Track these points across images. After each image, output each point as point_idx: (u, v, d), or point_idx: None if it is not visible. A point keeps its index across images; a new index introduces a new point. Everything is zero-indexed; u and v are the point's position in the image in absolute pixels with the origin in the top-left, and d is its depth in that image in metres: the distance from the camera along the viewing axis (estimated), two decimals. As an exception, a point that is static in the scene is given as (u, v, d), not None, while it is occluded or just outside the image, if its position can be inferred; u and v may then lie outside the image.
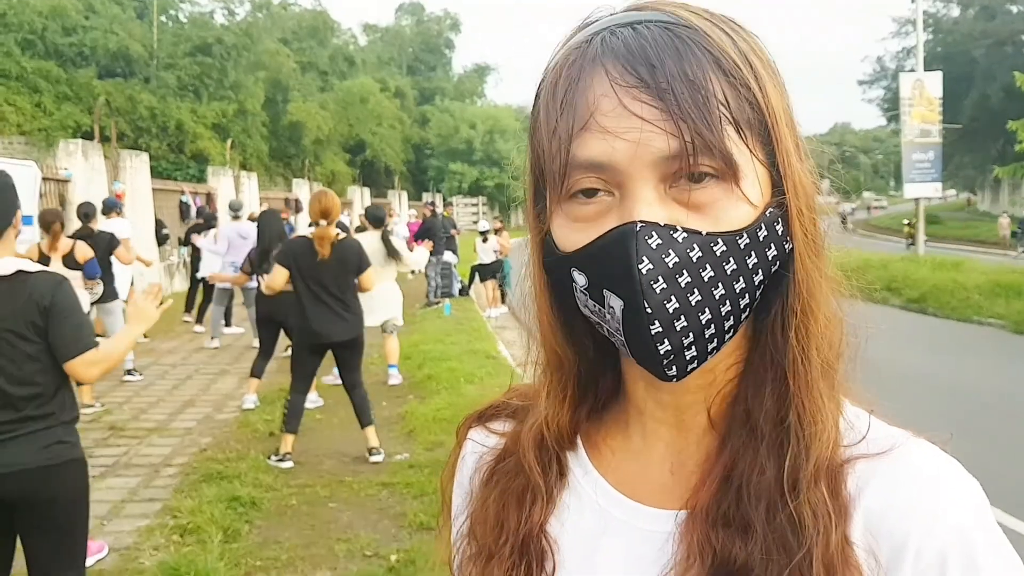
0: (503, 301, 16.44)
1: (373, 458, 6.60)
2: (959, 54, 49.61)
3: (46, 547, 3.00)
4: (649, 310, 0.67)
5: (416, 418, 7.77)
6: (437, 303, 16.26)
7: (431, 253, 16.89)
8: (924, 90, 25.04)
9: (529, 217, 0.80)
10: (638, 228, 0.67)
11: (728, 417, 0.76)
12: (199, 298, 13.35)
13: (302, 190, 29.97)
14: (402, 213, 33.44)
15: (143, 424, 7.85)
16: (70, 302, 3.00)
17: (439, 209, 23.23)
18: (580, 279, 0.72)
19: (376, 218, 9.29)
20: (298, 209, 23.07)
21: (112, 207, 11.05)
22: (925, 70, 26.95)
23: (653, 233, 0.67)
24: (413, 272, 23.09)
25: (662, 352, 0.68)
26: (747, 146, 0.69)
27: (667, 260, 0.67)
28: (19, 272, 2.92)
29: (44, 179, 12.67)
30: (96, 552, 4.70)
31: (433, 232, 16.92)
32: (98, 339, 3.13)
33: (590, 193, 0.70)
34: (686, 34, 0.69)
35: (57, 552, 3.01)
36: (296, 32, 48.17)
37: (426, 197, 28.95)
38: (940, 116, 25.37)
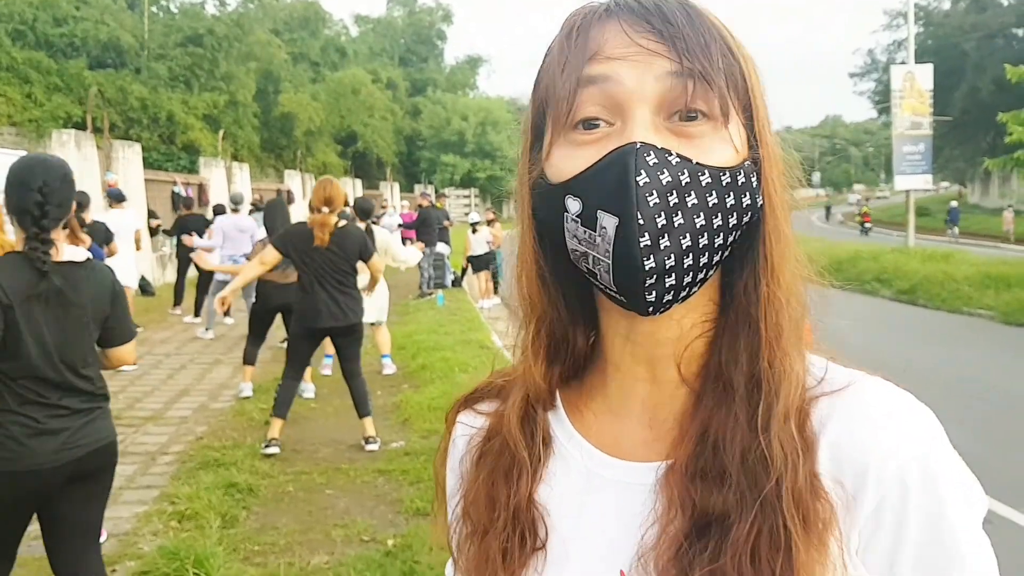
0: (495, 292, 16.48)
1: (368, 447, 6.64)
2: (950, 47, 49.71)
3: (96, 513, 3.18)
4: (641, 221, 0.71)
5: (411, 407, 7.81)
6: (430, 294, 16.29)
7: (424, 244, 16.94)
8: (915, 82, 25.10)
9: (523, 164, 0.84)
10: (638, 146, 0.72)
11: (701, 372, 0.81)
12: (191, 291, 13.35)
13: (294, 181, 29.94)
14: (395, 205, 33.39)
15: (138, 413, 7.88)
16: (123, 290, 3.22)
17: (434, 200, 23.20)
18: (574, 205, 0.75)
19: (363, 210, 9.24)
20: (290, 200, 23.01)
21: (117, 198, 11.15)
22: (916, 63, 27.01)
23: (651, 152, 0.72)
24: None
25: (646, 268, 0.72)
26: (733, 104, 0.75)
27: (660, 178, 0.72)
28: (89, 259, 3.07)
29: (36, 169, 12.61)
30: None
31: (429, 223, 16.93)
32: None
33: (592, 125, 0.75)
34: (693, 9, 0.77)
35: (99, 517, 3.22)
36: (287, 23, 47.97)
37: (418, 189, 28.94)
38: (931, 108, 25.44)
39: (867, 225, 42.85)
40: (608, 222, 0.72)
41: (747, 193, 0.76)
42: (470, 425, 0.95)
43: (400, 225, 21.89)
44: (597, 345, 0.88)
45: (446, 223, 18.91)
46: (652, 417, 0.83)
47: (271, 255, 6.41)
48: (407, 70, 62.17)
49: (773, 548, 0.71)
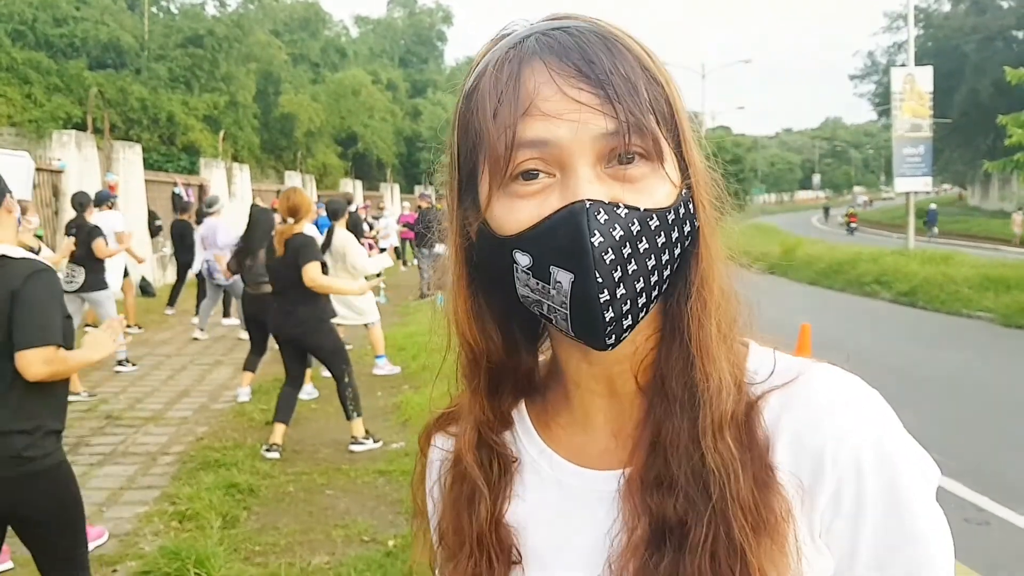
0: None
1: (352, 447, 6.64)
2: (950, 49, 49.77)
3: (42, 558, 2.98)
4: (600, 279, 0.72)
5: (411, 407, 7.81)
6: (431, 294, 16.29)
7: (421, 246, 16.92)
8: (915, 85, 25.11)
9: (452, 210, 0.85)
10: (588, 205, 0.73)
11: (651, 384, 0.83)
12: (192, 291, 13.38)
13: (294, 182, 29.91)
14: (394, 206, 33.37)
15: (139, 413, 7.88)
16: (42, 293, 2.84)
17: (434, 201, 23.18)
18: (523, 259, 0.76)
19: (331, 211, 8.82)
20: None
21: (104, 199, 11.11)
22: (916, 65, 27.04)
23: (600, 209, 0.73)
24: (405, 264, 23.13)
25: (606, 319, 0.74)
26: (663, 135, 0.77)
27: (613, 233, 0.73)
28: (2, 256, 2.84)
29: (37, 170, 12.67)
30: (96, 538, 4.74)
31: (427, 224, 16.90)
32: (88, 328, 3.05)
33: (531, 176, 0.76)
34: (612, 38, 0.78)
35: (61, 555, 2.99)
36: (287, 24, 47.98)
37: (419, 190, 28.87)
38: (931, 111, 25.45)
39: (852, 225, 45.97)
40: (563, 277, 0.74)
41: (687, 221, 0.79)
42: (443, 448, 0.96)
43: (406, 226, 21.96)
44: (556, 358, 0.90)
45: (447, 223, 18.87)
46: (615, 427, 0.86)
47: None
48: (407, 71, 62.16)
49: (730, 553, 0.74)
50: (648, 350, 0.82)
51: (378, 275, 12.78)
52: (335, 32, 58.26)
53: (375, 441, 6.75)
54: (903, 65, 29.10)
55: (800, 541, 0.75)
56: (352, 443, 6.68)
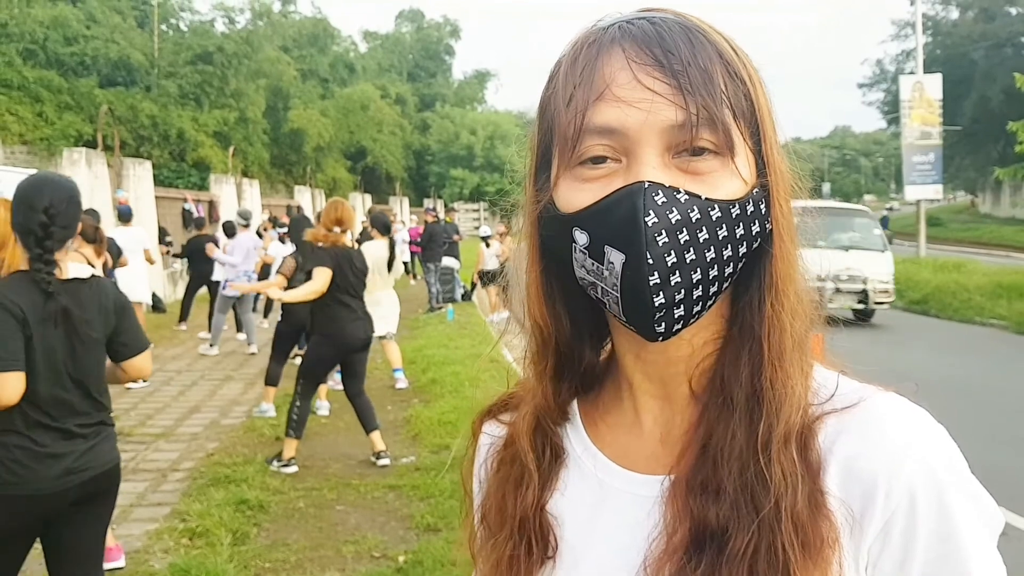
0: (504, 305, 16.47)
1: (380, 462, 6.63)
2: (959, 56, 49.64)
3: (96, 536, 3.12)
4: (651, 261, 0.72)
5: (421, 422, 7.80)
6: (440, 308, 16.30)
7: (428, 260, 16.96)
8: (924, 92, 25.08)
9: (529, 189, 0.84)
10: (646, 185, 0.72)
11: (708, 388, 0.81)
12: (202, 306, 13.41)
13: (304, 197, 30.01)
14: (405, 219, 33.47)
15: (150, 430, 7.88)
16: (129, 302, 3.19)
17: (441, 215, 23.24)
18: (581, 238, 0.76)
19: (383, 225, 9.13)
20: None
21: (127, 215, 11.41)
22: (925, 72, 26.99)
23: (659, 191, 0.73)
24: (415, 278, 23.15)
25: (656, 304, 0.73)
26: (740, 130, 0.76)
27: (670, 216, 0.72)
28: (93, 276, 3.03)
29: (48, 187, 12.73)
30: (114, 559, 4.71)
31: (434, 239, 16.94)
32: None
33: (599, 160, 0.76)
34: (696, 30, 0.77)
35: (100, 542, 3.15)
36: (296, 40, 48.26)
37: (427, 203, 29.03)
38: (940, 118, 25.41)
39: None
40: (615, 257, 0.74)
41: (756, 220, 0.77)
42: (492, 434, 0.97)
43: (407, 241, 22.01)
44: (613, 357, 0.89)
45: (455, 237, 18.93)
46: (664, 432, 0.84)
47: (321, 279, 6.31)
48: (416, 85, 62.44)
49: (771, 567, 0.72)
50: (705, 355, 0.81)
51: None
52: (344, 47, 58.57)
53: (385, 456, 6.72)
54: (912, 73, 29.03)
55: (844, 569, 0.73)
56: (381, 456, 6.67)
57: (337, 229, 6.40)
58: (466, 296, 18.16)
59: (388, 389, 9.39)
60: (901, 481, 0.73)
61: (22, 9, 30.32)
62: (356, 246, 7.50)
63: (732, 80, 0.76)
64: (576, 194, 0.77)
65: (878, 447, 0.74)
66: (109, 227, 11.48)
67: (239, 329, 12.75)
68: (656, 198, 0.72)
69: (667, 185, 0.73)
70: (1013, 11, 50.77)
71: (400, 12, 69.25)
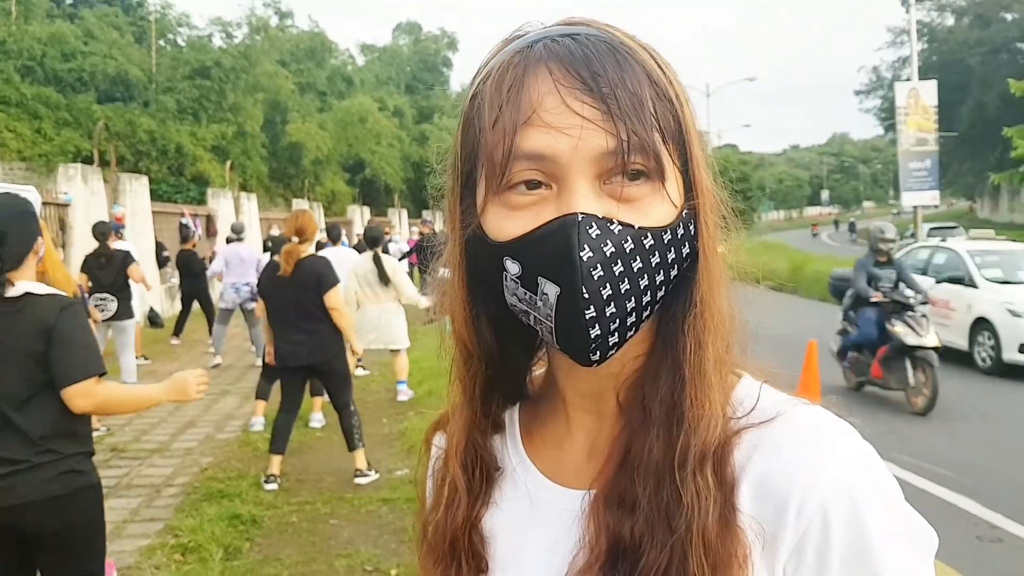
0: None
1: (357, 479, 6.50)
2: (954, 62, 49.76)
3: None
4: (587, 295, 0.71)
5: (416, 434, 7.77)
6: (437, 319, 16.29)
7: (425, 272, 16.96)
8: (920, 99, 25.07)
9: (453, 212, 0.83)
10: (580, 218, 0.71)
11: (630, 403, 0.80)
12: (200, 320, 13.41)
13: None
14: (401, 230, 33.48)
15: (144, 445, 7.87)
16: (74, 326, 2.87)
17: (438, 226, 23.21)
18: (513, 267, 0.75)
19: (370, 238, 9.15)
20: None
21: (114, 230, 11.35)
22: (920, 79, 27.01)
23: (593, 224, 0.71)
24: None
25: (592, 336, 0.72)
26: (668, 153, 0.74)
27: (604, 249, 0.71)
28: (26, 294, 2.84)
29: (44, 203, 12.76)
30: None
31: (428, 250, 16.95)
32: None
33: (529, 185, 0.74)
34: (622, 48, 0.75)
35: None
36: (294, 53, 48.36)
37: (426, 215, 28.97)
38: (936, 124, 25.39)
39: (815, 232, 52.12)
40: (550, 289, 0.73)
41: (685, 243, 0.77)
42: (439, 447, 0.98)
43: (405, 255, 22.00)
44: (551, 372, 0.89)
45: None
46: (592, 446, 0.84)
47: (259, 307, 6.51)
48: (413, 97, 62.51)
49: None
50: (634, 371, 0.80)
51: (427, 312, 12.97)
52: (341, 61, 58.66)
53: (376, 472, 6.65)
54: (907, 80, 29.07)
55: None
56: (357, 475, 6.55)
57: (295, 239, 6.21)
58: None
59: (385, 401, 9.38)
60: (814, 498, 0.71)
61: (20, 26, 30.40)
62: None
63: (660, 100, 0.75)
64: (506, 222, 0.75)
65: (791, 462, 0.73)
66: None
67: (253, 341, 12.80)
68: (590, 231, 0.71)
69: (600, 216, 0.72)
70: (1008, 17, 50.92)
71: (397, 25, 69.48)
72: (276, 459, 6.45)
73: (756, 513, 0.73)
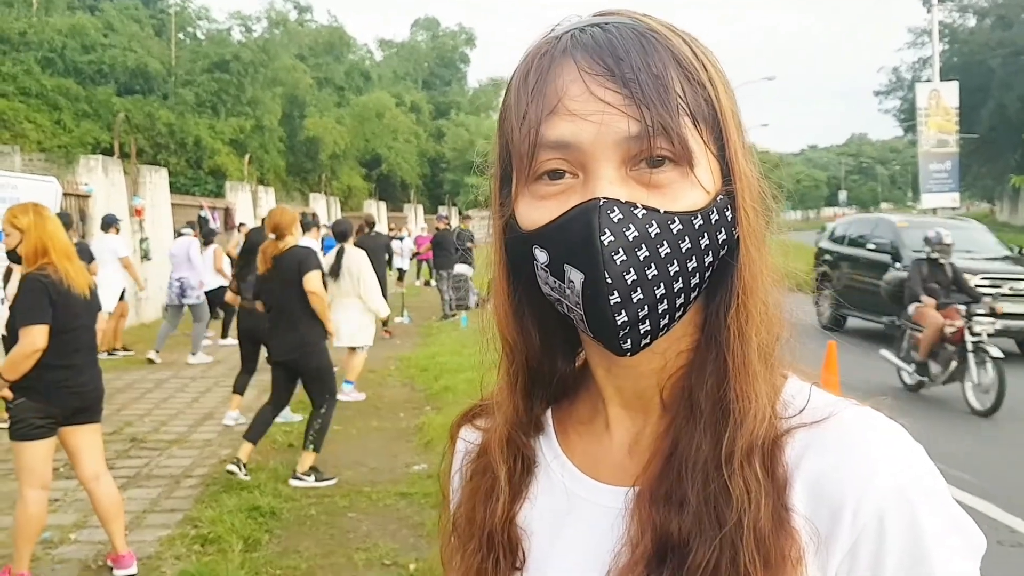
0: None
1: (292, 482, 6.33)
2: (975, 64, 49.32)
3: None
4: (609, 280, 0.70)
5: (434, 429, 7.78)
6: (453, 315, 16.30)
7: (440, 267, 16.96)
8: (940, 100, 24.94)
9: (494, 204, 0.83)
10: (601, 203, 0.71)
11: (676, 398, 0.80)
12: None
13: (319, 204, 30.14)
14: (415, 227, 33.51)
15: (163, 436, 7.91)
16: None
17: (454, 223, 23.26)
18: (541, 256, 0.75)
19: (338, 232, 9.14)
20: (315, 224, 23.21)
21: (111, 223, 11.67)
22: (941, 80, 26.86)
23: (615, 208, 0.71)
24: (428, 284, 23.16)
25: (619, 323, 0.72)
26: (701, 137, 0.73)
27: (627, 234, 0.71)
28: None
29: (65, 194, 12.86)
30: (127, 566, 4.73)
31: (445, 247, 16.96)
32: None
33: (555, 175, 0.74)
34: (650, 34, 0.74)
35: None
36: (312, 48, 48.54)
37: (442, 210, 29.03)
38: (957, 126, 25.26)
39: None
40: (575, 276, 0.72)
41: (721, 229, 0.75)
42: (468, 440, 0.97)
43: (415, 254, 22.18)
44: (588, 368, 0.88)
45: (470, 244, 18.94)
46: (633, 443, 0.84)
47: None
48: (431, 93, 62.62)
49: None
50: (678, 367, 0.80)
51: (384, 323, 12.98)
52: (359, 56, 58.85)
53: (317, 479, 6.38)
54: (928, 81, 28.89)
55: None
56: (294, 477, 6.38)
57: (272, 236, 6.31)
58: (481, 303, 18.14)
59: (403, 396, 9.40)
60: (869, 501, 0.70)
61: (40, 18, 30.65)
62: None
63: (690, 84, 0.73)
64: (534, 211, 0.75)
65: (846, 464, 0.72)
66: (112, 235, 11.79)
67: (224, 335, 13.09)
68: (612, 215, 0.70)
69: (623, 201, 0.71)
70: (1031, 19, 50.43)
71: (415, 20, 69.73)
72: (246, 446, 6.41)
73: (810, 514, 0.72)
